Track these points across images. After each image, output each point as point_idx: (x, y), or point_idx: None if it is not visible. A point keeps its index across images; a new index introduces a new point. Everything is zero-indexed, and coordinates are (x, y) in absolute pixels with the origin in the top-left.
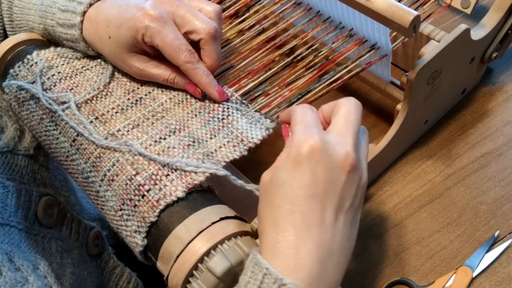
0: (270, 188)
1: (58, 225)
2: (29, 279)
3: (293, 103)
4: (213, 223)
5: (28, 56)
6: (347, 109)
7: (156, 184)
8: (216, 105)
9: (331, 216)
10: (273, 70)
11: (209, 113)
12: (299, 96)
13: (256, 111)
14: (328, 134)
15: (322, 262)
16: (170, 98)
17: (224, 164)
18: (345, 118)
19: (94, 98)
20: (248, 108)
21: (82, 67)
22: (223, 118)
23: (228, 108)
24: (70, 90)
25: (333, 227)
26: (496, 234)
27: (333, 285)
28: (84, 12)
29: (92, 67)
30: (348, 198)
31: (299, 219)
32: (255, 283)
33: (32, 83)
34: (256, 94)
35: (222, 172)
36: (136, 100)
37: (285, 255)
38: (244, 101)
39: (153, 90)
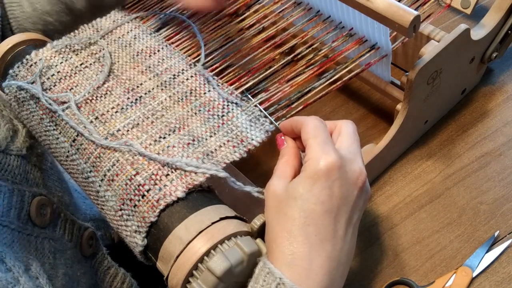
0: (284, 200)
1: (52, 225)
2: (20, 280)
3: (293, 102)
4: (213, 223)
5: (27, 56)
6: (351, 130)
7: (156, 184)
8: (216, 102)
9: (342, 229)
10: (273, 68)
11: (209, 110)
12: (299, 94)
13: (255, 106)
14: (341, 151)
15: (331, 273)
16: (170, 96)
17: (224, 165)
18: (351, 137)
19: (94, 98)
20: (250, 101)
21: (80, 65)
22: (223, 115)
23: (228, 105)
24: (70, 90)
25: (343, 240)
26: (496, 234)
27: None
28: None
29: (90, 64)
30: (357, 212)
31: (313, 232)
32: None
33: (32, 83)
34: (256, 91)
35: (223, 174)
36: (136, 99)
37: (298, 266)
38: (244, 98)
39: (153, 88)
